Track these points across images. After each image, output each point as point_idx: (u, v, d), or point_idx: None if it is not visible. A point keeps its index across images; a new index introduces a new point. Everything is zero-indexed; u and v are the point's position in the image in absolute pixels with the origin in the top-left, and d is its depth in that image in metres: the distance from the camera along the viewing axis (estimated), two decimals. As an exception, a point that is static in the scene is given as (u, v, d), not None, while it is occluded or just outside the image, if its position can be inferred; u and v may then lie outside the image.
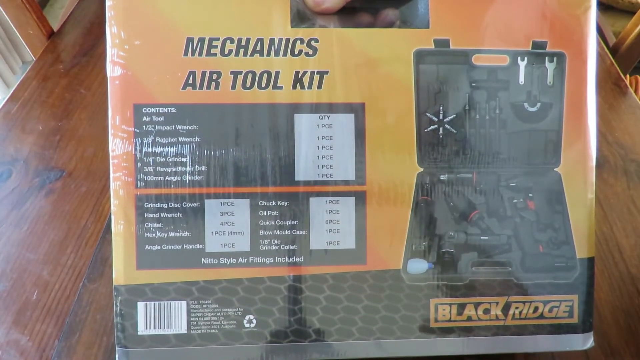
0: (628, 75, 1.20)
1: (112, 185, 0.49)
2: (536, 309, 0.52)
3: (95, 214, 0.67)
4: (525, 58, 0.50)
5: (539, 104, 0.50)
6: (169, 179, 0.49)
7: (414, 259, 0.51)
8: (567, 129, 0.50)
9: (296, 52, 0.48)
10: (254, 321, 0.50)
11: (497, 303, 0.52)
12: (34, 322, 0.56)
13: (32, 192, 0.69)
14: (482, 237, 0.51)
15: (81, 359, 0.54)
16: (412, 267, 0.51)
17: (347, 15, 0.52)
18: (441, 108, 0.50)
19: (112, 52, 0.47)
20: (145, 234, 0.49)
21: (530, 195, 0.52)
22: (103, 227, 0.65)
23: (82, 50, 0.90)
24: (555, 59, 0.50)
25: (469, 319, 0.52)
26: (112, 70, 0.47)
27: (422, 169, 0.50)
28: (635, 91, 1.33)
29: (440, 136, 0.50)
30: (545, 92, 0.50)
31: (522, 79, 0.50)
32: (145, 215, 0.49)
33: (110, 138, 0.48)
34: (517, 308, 0.52)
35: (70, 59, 0.89)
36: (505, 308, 0.52)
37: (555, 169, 0.51)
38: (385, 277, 0.51)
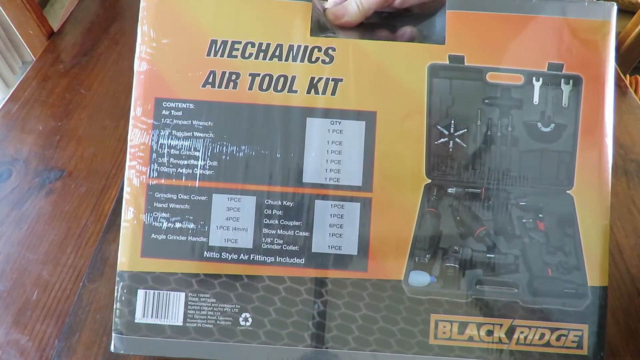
0: (628, 75, 1.19)
1: (127, 173, 0.50)
2: (542, 335, 0.51)
3: (95, 214, 0.67)
4: (541, 79, 0.50)
5: (552, 125, 0.50)
6: (181, 171, 0.50)
7: (416, 271, 0.51)
8: (581, 152, 0.50)
9: (313, 59, 0.50)
10: (250, 320, 0.50)
11: (500, 325, 0.51)
12: (34, 322, 0.57)
13: (32, 192, 0.70)
14: (488, 255, 0.51)
15: (81, 359, 0.54)
16: (414, 279, 0.50)
17: (365, 29, 0.54)
18: (452, 122, 0.50)
19: (140, 48, 0.50)
20: (153, 223, 0.50)
21: (540, 215, 0.51)
22: (103, 227, 0.66)
23: (82, 50, 0.92)
24: (571, 81, 0.50)
25: (470, 339, 0.51)
26: (139, 65, 0.51)
27: (429, 181, 0.51)
28: (635, 91, 1.33)
29: (450, 149, 0.50)
30: (560, 113, 0.50)
31: (536, 99, 0.50)
32: (155, 204, 0.51)
33: (130, 128, 0.50)
34: (522, 332, 0.51)
35: (70, 59, 0.90)
36: (510, 331, 0.51)
37: (567, 192, 0.50)
38: (386, 287, 0.50)
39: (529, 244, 0.51)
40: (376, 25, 0.55)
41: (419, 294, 0.50)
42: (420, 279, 0.50)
